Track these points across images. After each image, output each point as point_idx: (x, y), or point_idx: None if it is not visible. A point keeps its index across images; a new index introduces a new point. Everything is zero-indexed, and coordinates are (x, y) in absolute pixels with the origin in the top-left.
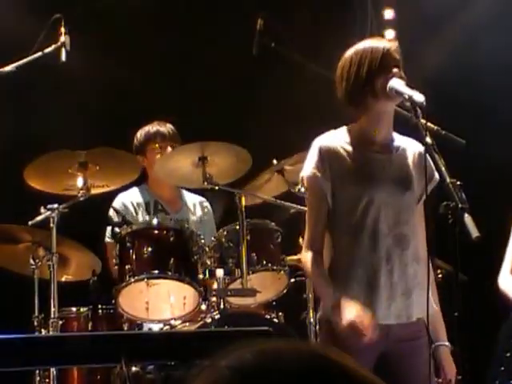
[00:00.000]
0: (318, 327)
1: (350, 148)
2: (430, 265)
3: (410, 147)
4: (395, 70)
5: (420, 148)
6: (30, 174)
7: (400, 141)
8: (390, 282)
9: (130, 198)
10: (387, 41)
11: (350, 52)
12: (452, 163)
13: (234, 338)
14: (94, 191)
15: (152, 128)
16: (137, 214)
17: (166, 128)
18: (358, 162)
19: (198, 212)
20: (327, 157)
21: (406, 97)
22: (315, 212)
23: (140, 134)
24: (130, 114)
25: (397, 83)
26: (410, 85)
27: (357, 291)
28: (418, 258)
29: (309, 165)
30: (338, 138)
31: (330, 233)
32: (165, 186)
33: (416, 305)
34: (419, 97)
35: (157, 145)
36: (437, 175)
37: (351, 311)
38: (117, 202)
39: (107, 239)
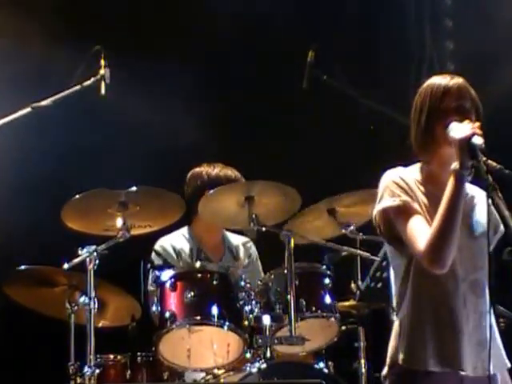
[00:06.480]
0: (383, 373)
1: (421, 186)
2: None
3: (478, 195)
4: (454, 114)
5: (484, 196)
6: (67, 214)
7: (467, 187)
8: (467, 330)
9: (172, 243)
10: (451, 77)
11: (418, 93)
12: None
13: None
14: (134, 232)
15: (223, 171)
16: (179, 261)
17: (234, 173)
18: (431, 202)
19: (242, 255)
20: (408, 187)
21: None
22: (422, 227)
23: (208, 174)
24: (172, 152)
25: (455, 129)
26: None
27: (440, 339)
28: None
29: (391, 194)
30: (410, 174)
31: (407, 274)
32: (210, 228)
33: (492, 358)
34: (477, 139)
35: None
36: (502, 227)
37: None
38: (158, 246)
39: (150, 287)
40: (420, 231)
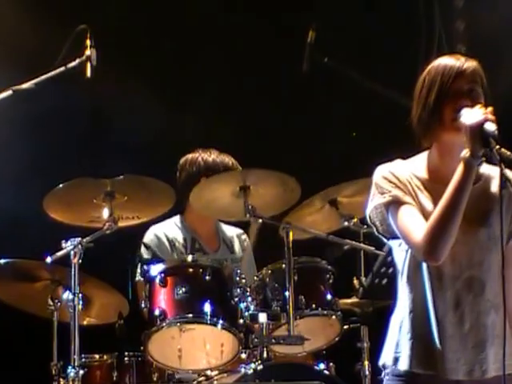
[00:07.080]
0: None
1: (418, 180)
2: None
3: (497, 178)
4: (466, 98)
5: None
6: (50, 204)
7: (483, 170)
8: (459, 332)
9: (165, 231)
10: (465, 59)
11: (426, 70)
12: None
13: None
14: (122, 223)
15: (220, 158)
16: (172, 250)
17: (231, 160)
18: (427, 196)
19: (237, 247)
20: (398, 181)
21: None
22: (416, 218)
23: (204, 160)
24: (160, 140)
25: (466, 115)
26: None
27: (423, 340)
28: (497, 306)
29: (381, 191)
30: (405, 167)
31: (402, 271)
32: (203, 218)
33: (494, 360)
34: (490, 126)
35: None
36: None
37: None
38: (148, 236)
39: (139, 277)
40: (414, 223)
